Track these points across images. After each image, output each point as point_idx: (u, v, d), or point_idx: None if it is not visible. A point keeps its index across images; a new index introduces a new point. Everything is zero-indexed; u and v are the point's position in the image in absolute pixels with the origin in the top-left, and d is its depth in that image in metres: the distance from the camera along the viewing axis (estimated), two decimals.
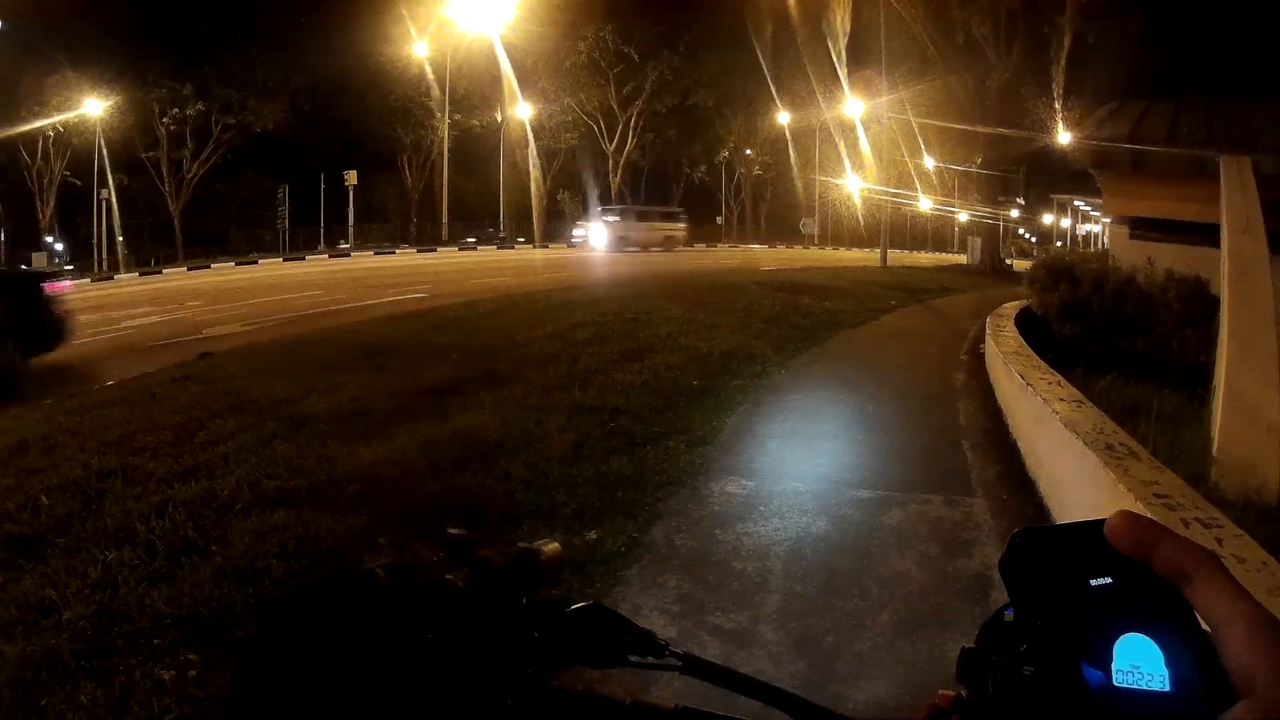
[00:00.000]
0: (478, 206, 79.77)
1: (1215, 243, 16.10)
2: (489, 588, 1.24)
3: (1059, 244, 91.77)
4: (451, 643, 1.17)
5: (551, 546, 1.34)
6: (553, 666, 1.23)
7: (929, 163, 70.40)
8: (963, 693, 1.14)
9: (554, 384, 15.31)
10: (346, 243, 74.23)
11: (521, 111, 76.66)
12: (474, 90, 75.37)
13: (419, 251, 68.41)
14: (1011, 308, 22.80)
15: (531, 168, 78.83)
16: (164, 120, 64.83)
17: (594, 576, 7.68)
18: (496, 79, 73.96)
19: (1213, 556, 0.74)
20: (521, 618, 1.24)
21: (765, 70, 77.63)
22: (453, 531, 1.30)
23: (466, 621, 1.20)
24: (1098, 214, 74.74)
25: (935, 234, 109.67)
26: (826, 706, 1.25)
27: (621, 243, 66.23)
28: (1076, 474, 8.33)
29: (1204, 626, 0.74)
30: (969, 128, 54.82)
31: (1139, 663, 0.74)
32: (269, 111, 67.83)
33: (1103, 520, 0.78)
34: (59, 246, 66.69)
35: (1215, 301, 16.48)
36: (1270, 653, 0.68)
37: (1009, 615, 1.12)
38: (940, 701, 1.15)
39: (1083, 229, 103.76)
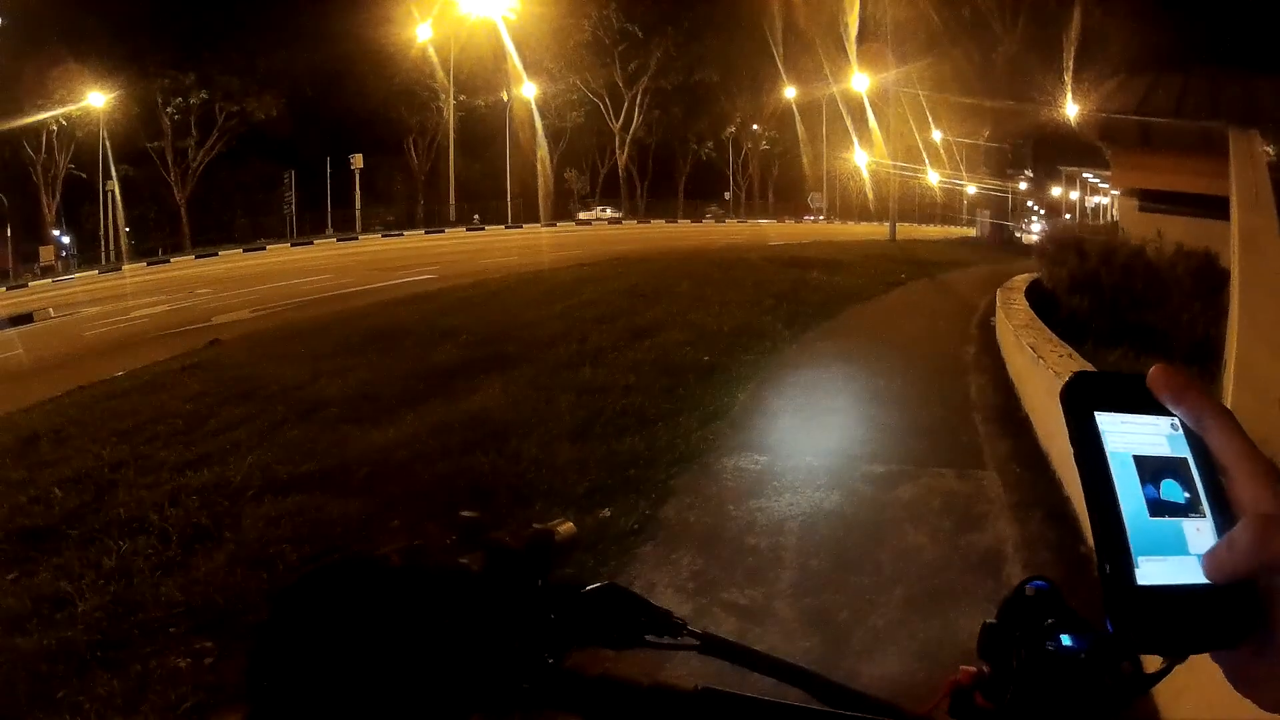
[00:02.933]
0: (484, 187, 79.62)
1: (1225, 215, 16.04)
2: (503, 571, 1.23)
3: (1067, 216, 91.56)
4: (467, 627, 1.16)
5: (566, 526, 1.32)
6: (568, 648, 1.22)
7: (936, 136, 70.32)
8: (984, 668, 1.13)
9: (564, 363, 15.31)
10: (354, 227, 74.21)
11: (526, 91, 76.66)
12: (478, 71, 75.24)
13: (427, 233, 68.47)
14: (1021, 280, 22.70)
15: (537, 147, 78.73)
16: (168, 110, 64.85)
17: (608, 555, 7.69)
18: (501, 59, 73.93)
19: (1226, 411, 0.85)
20: (537, 600, 1.23)
21: (771, 45, 77.55)
22: (465, 514, 1.28)
23: (481, 605, 1.18)
24: (1106, 186, 74.61)
25: (944, 207, 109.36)
26: (844, 683, 1.25)
27: None
28: None
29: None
30: (976, 101, 54.69)
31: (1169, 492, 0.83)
32: (272, 98, 67.82)
33: (1144, 374, 0.87)
34: (65, 240, 66.80)
35: (1225, 275, 16.40)
36: (1263, 483, 0.81)
37: (1030, 590, 1.11)
38: (961, 678, 1.14)
39: (1091, 201, 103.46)
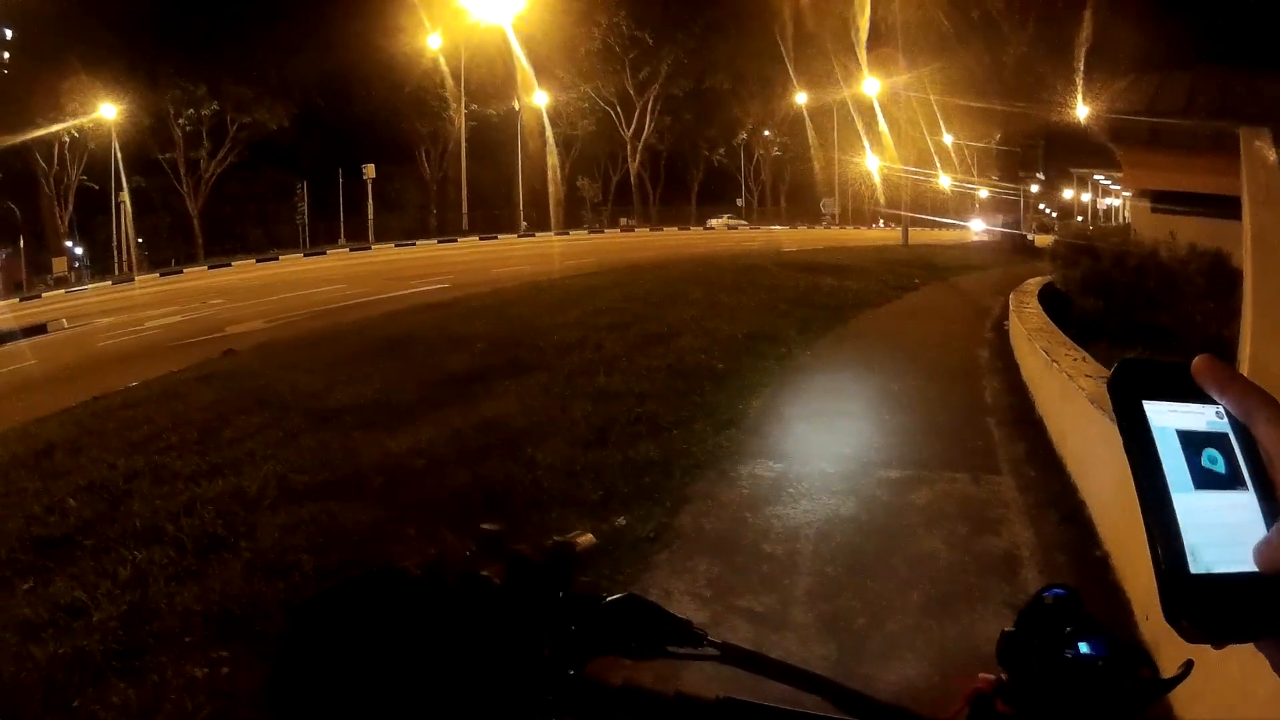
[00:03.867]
0: (496, 195, 79.74)
1: (1237, 215, 15.98)
2: (525, 582, 1.23)
3: (1080, 219, 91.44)
4: (489, 639, 1.16)
5: (585, 538, 1.32)
6: (590, 658, 1.22)
7: (948, 140, 70.23)
8: (1003, 676, 1.13)
9: (578, 370, 15.30)
10: (367, 236, 74.27)
11: (537, 99, 76.78)
12: (489, 80, 75.34)
13: (439, 242, 68.59)
14: (1034, 284, 22.69)
15: (549, 155, 78.85)
16: (179, 121, 65.04)
17: (623, 562, 7.68)
18: (511, 68, 74.08)
19: (1272, 400, 0.85)
20: (559, 612, 1.23)
21: (781, 50, 77.59)
22: (486, 527, 1.28)
23: (504, 617, 1.18)
24: (1119, 188, 74.56)
25: (956, 211, 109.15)
26: (862, 691, 1.25)
27: None
28: (1102, 450, 8.25)
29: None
30: (986, 104, 54.63)
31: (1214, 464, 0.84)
32: (283, 108, 67.99)
33: (1188, 363, 0.88)
34: (78, 251, 66.97)
35: (1238, 275, 16.35)
36: None
37: (1049, 597, 1.12)
38: (981, 685, 1.14)
39: (1104, 203, 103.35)
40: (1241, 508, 0.82)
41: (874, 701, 1.23)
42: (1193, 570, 0.78)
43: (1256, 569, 0.79)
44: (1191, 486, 0.81)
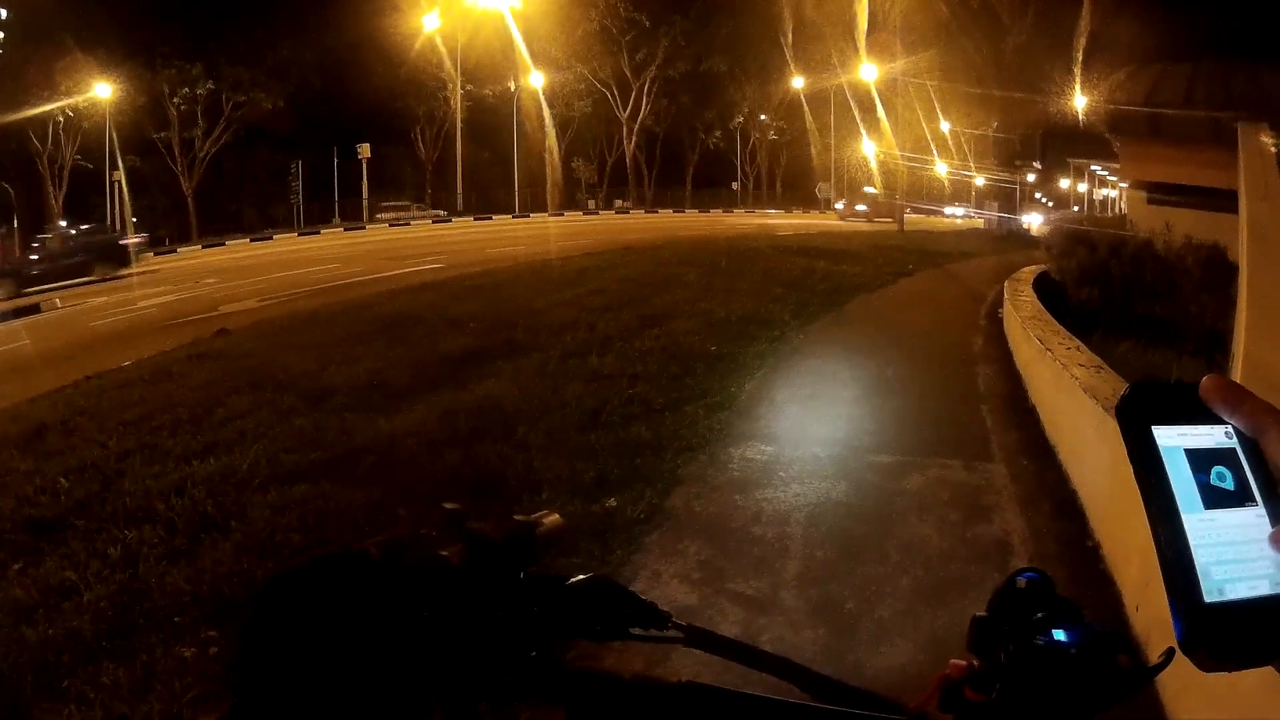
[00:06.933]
0: (491, 177, 79.58)
1: (1234, 208, 15.99)
2: (485, 563, 1.22)
3: (1076, 208, 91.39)
4: (447, 620, 1.15)
5: (551, 518, 1.31)
6: (554, 641, 1.21)
7: (945, 127, 70.16)
8: (974, 662, 1.12)
9: (571, 351, 15.30)
10: (362, 216, 74.11)
11: (534, 81, 76.59)
12: (485, 60, 75.05)
13: (434, 222, 68.49)
14: (1029, 272, 22.65)
15: (545, 137, 78.71)
16: (174, 100, 64.80)
17: (614, 544, 7.69)
18: (508, 49, 73.80)
19: None
20: (519, 593, 1.22)
21: (779, 34, 77.44)
22: (447, 506, 1.27)
23: (462, 598, 1.17)
24: (1115, 179, 74.49)
25: (952, 199, 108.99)
26: (836, 678, 1.24)
27: None
28: (1095, 439, 8.26)
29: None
30: (984, 91, 54.56)
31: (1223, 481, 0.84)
32: (279, 88, 67.77)
33: (1197, 384, 0.89)
34: (72, 231, 66.92)
35: (1234, 267, 16.36)
36: None
37: (1022, 582, 1.10)
38: (950, 672, 1.13)
39: (1100, 194, 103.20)
40: (1250, 525, 0.83)
41: (842, 685, 1.22)
42: (1206, 600, 0.78)
43: (1268, 592, 0.79)
44: (1201, 506, 0.81)
